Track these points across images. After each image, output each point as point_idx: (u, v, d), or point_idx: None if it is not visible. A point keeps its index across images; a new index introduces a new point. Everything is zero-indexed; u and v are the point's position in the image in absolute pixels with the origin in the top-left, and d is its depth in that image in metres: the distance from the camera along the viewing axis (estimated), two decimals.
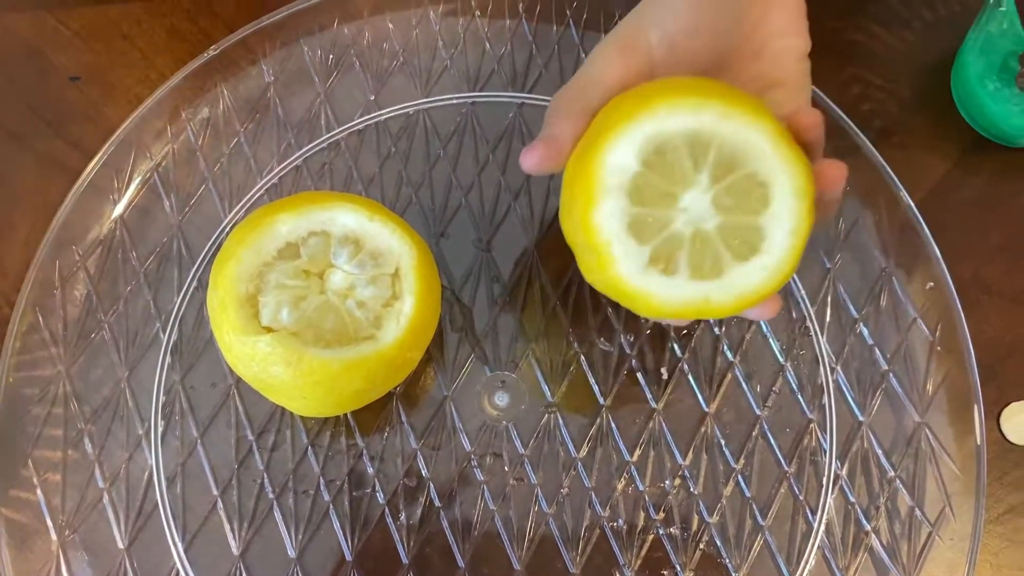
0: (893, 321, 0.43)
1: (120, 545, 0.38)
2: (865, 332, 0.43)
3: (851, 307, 0.43)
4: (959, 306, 0.42)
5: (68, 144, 0.45)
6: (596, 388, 0.41)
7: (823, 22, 0.49)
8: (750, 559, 0.39)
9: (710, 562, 0.39)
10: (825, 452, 0.41)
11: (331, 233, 0.35)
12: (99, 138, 0.45)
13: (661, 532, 0.39)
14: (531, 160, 0.33)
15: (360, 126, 0.45)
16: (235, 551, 0.38)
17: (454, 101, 0.46)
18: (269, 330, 0.33)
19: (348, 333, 0.34)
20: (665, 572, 0.39)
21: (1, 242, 0.43)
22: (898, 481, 0.40)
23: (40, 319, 0.41)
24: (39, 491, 0.38)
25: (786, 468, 0.40)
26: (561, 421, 0.41)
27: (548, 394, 0.41)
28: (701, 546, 0.39)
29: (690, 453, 0.40)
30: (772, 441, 0.41)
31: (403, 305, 0.35)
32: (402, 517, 0.39)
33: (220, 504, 0.39)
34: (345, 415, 0.40)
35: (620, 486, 0.40)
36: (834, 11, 0.50)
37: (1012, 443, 0.43)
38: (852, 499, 0.40)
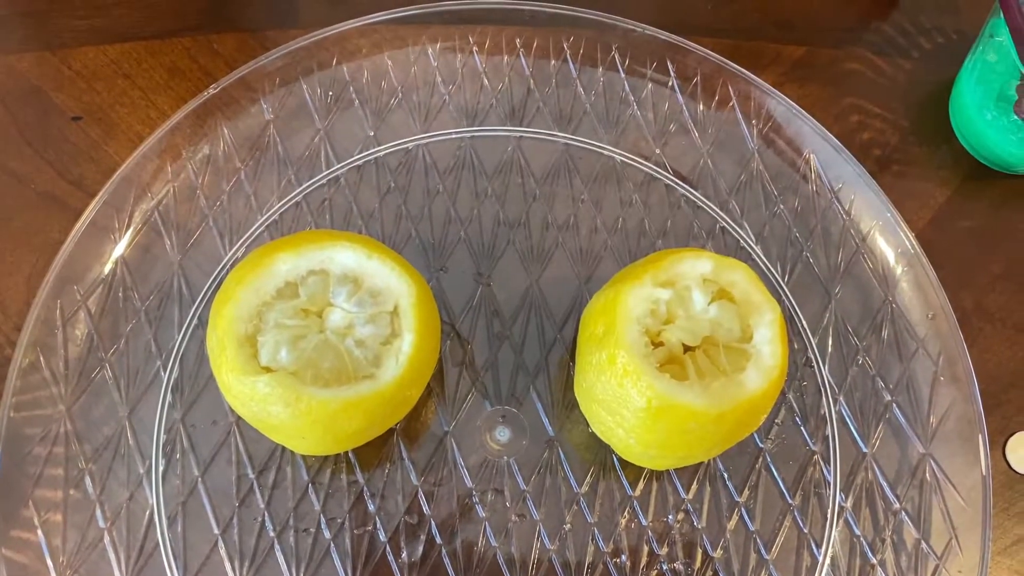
0: (895, 351, 0.43)
1: None
2: (867, 362, 0.42)
3: (853, 337, 0.43)
4: (961, 335, 0.42)
5: (70, 183, 0.45)
6: None
7: (821, 51, 0.50)
8: None
9: None
10: (829, 484, 0.40)
11: (330, 272, 0.35)
12: (100, 177, 0.45)
13: (665, 567, 0.39)
14: None
15: (360, 162, 0.45)
16: None
17: (452, 136, 0.46)
18: (268, 370, 0.33)
19: (347, 372, 0.34)
20: None
21: (3, 281, 0.43)
22: (903, 513, 0.40)
23: (41, 358, 0.41)
24: (40, 531, 0.38)
25: (790, 501, 0.40)
26: (563, 456, 0.40)
27: (549, 429, 0.41)
28: None
29: (693, 486, 0.40)
30: (775, 473, 0.41)
31: (402, 343, 0.35)
32: (404, 555, 0.39)
33: (221, 543, 0.39)
34: (346, 452, 0.40)
35: (623, 521, 0.40)
36: (831, 41, 0.50)
37: (1018, 473, 0.42)
38: (857, 532, 0.40)
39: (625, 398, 0.34)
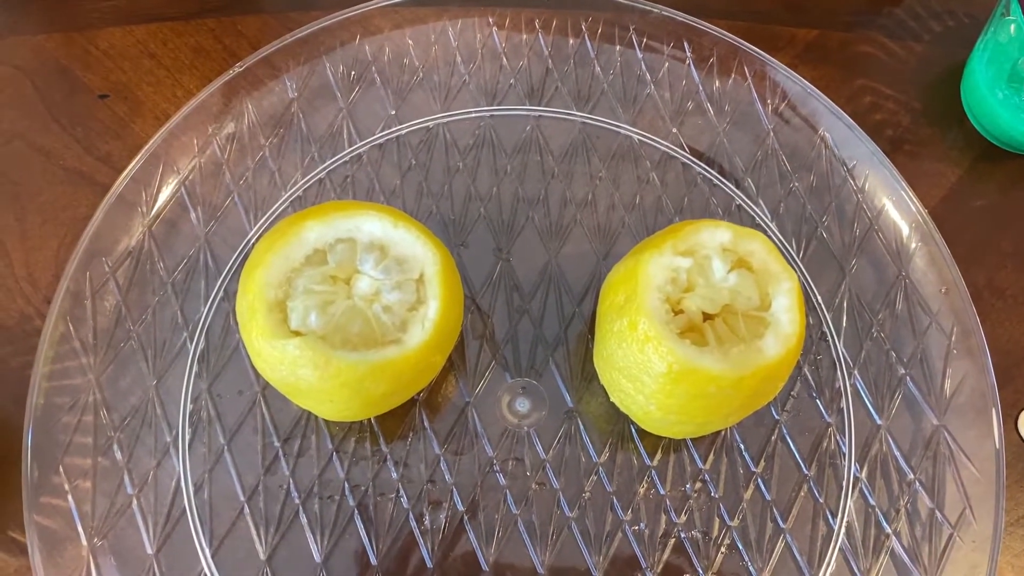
0: (909, 325, 0.43)
1: (149, 551, 0.39)
2: (881, 336, 0.43)
3: (867, 312, 0.44)
4: (974, 309, 0.43)
5: (97, 159, 0.46)
6: None
7: (833, 34, 0.51)
8: (771, 562, 0.39)
9: (732, 565, 0.39)
10: (844, 455, 0.41)
11: (357, 240, 0.36)
12: (127, 153, 0.46)
13: (683, 535, 0.40)
14: None
15: (381, 140, 0.46)
16: (262, 556, 0.39)
17: (472, 115, 0.47)
18: (297, 334, 0.34)
19: (374, 337, 0.35)
20: (687, 575, 0.39)
21: (33, 255, 0.44)
22: (918, 484, 0.41)
23: (71, 329, 0.41)
24: (70, 497, 0.39)
25: (806, 471, 0.41)
26: (582, 426, 0.41)
27: (568, 400, 0.42)
28: (723, 549, 0.40)
29: (710, 457, 0.41)
30: (791, 445, 0.41)
31: (428, 309, 0.35)
32: (426, 522, 0.39)
33: (247, 510, 0.39)
34: (369, 421, 0.41)
35: (641, 490, 0.40)
36: (844, 24, 0.51)
37: None
38: (872, 502, 0.40)
39: (646, 364, 0.35)
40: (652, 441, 0.41)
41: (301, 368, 0.34)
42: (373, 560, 0.39)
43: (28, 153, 0.46)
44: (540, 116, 0.47)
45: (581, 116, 0.47)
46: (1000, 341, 0.44)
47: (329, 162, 0.46)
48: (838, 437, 0.41)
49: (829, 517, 0.40)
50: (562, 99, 0.47)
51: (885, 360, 0.43)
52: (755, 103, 0.47)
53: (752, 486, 0.41)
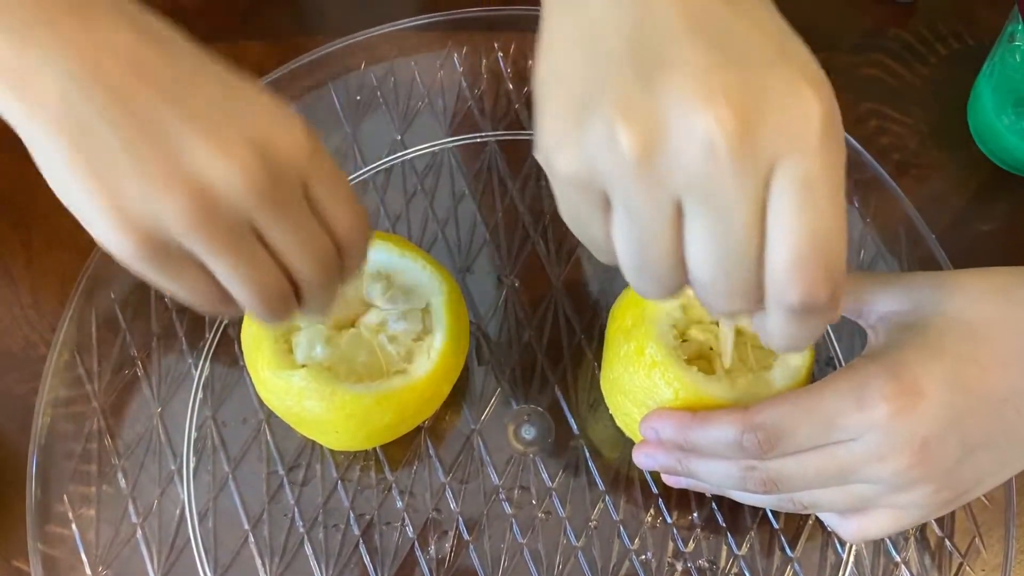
0: None
1: None
2: None
3: None
4: None
5: None
6: None
7: (839, 57, 0.51)
8: None
9: None
10: None
11: (363, 269, 0.36)
12: None
13: (690, 565, 0.39)
14: None
15: (387, 165, 0.46)
16: None
17: (478, 140, 0.47)
18: (303, 365, 0.34)
19: (380, 367, 0.35)
20: None
21: (39, 281, 0.44)
22: None
23: (76, 356, 0.41)
24: (74, 526, 0.39)
25: None
26: (588, 454, 0.41)
27: (574, 427, 0.41)
28: None
29: None
30: None
31: (433, 339, 0.35)
32: (431, 551, 0.39)
33: (251, 539, 0.39)
34: (374, 450, 0.41)
35: (648, 519, 0.40)
36: (850, 47, 0.51)
37: None
38: None
39: (652, 389, 0.34)
40: None
41: (307, 399, 0.34)
42: None
43: (35, 178, 0.46)
44: None
45: None
46: None
47: None
48: None
49: (838, 546, 0.40)
50: None
51: None
52: None
53: (760, 514, 0.40)
